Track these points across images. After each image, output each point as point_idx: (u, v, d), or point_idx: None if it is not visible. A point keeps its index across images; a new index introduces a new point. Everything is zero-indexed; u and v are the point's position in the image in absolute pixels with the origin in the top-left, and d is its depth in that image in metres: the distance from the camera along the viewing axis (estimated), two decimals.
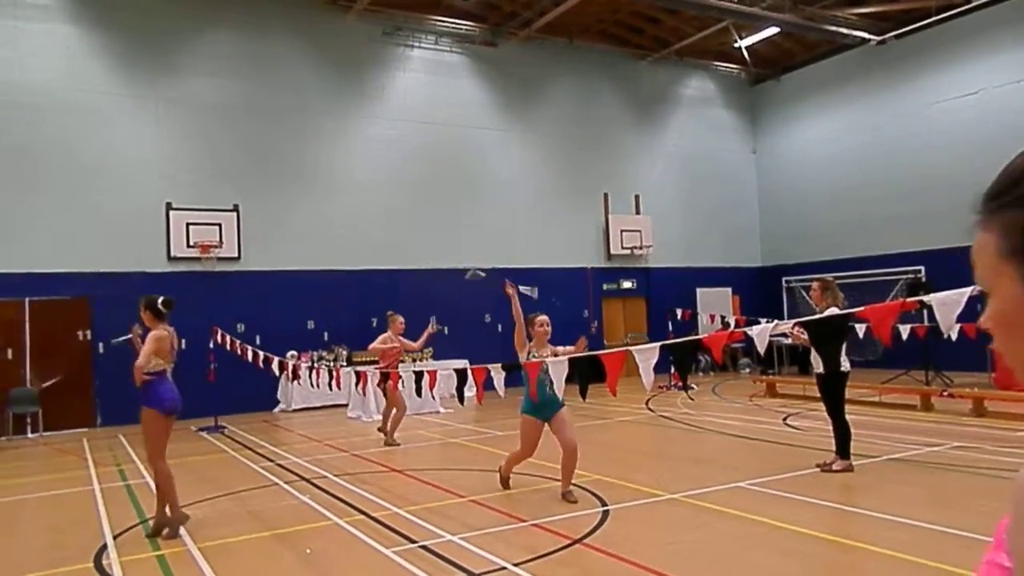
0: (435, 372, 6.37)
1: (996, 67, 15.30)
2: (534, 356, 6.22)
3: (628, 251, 18.10)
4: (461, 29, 16.71)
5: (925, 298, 3.16)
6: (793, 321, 3.76)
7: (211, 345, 11.61)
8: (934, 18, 15.72)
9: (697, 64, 19.75)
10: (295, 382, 9.70)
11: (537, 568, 4.77)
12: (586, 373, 4.63)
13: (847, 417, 7.22)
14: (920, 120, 16.62)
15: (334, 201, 15.15)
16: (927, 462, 7.53)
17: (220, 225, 13.95)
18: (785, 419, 10.67)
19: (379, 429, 10.12)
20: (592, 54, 18.35)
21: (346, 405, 13.09)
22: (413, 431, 10.89)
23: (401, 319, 10.01)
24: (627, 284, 18.48)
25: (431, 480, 7.56)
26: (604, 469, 7.61)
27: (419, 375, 6.79)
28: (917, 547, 4.84)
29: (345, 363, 13.61)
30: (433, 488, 7.22)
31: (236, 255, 14.11)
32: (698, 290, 18.99)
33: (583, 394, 4.95)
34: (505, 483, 6.90)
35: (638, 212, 18.54)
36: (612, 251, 18.05)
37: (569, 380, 4.90)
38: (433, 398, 7.90)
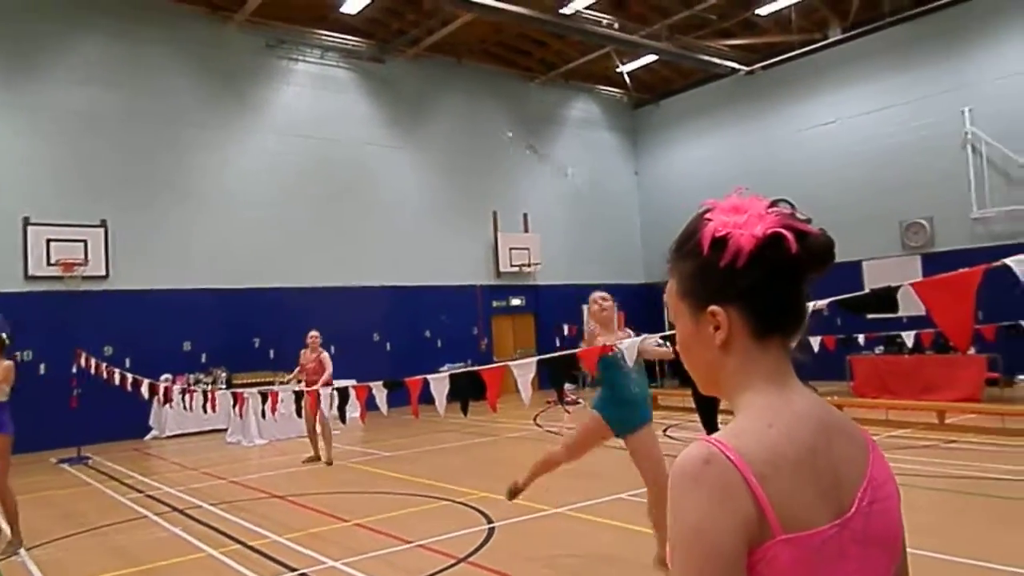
0: (315, 392, 6.20)
1: (850, 98, 16.62)
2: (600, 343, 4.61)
3: (517, 268, 18.33)
4: (348, 44, 16.51)
5: None
6: (660, 333, 3.92)
7: (74, 370, 10.83)
8: (796, 52, 16.93)
9: (582, 87, 20.37)
10: (167, 406, 9.19)
11: None
12: (466, 389, 4.63)
13: (720, 427, 7.56)
14: (785, 146, 17.79)
15: (214, 217, 14.54)
16: None
17: (86, 241, 13.07)
18: (665, 431, 11.05)
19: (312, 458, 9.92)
20: (480, 74, 18.57)
21: (225, 430, 12.52)
22: (296, 454, 10.54)
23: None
24: (516, 301, 18.70)
25: (314, 505, 7.34)
26: (490, 486, 7.62)
27: (299, 395, 6.58)
28: None
29: (224, 385, 13.03)
30: (316, 513, 7.00)
31: (104, 273, 13.26)
32: (584, 307, 19.41)
33: (464, 410, 4.94)
34: (515, 494, 5.26)
35: (526, 230, 18.84)
36: (501, 268, 18.23)
37: (450, 397, 4.88)
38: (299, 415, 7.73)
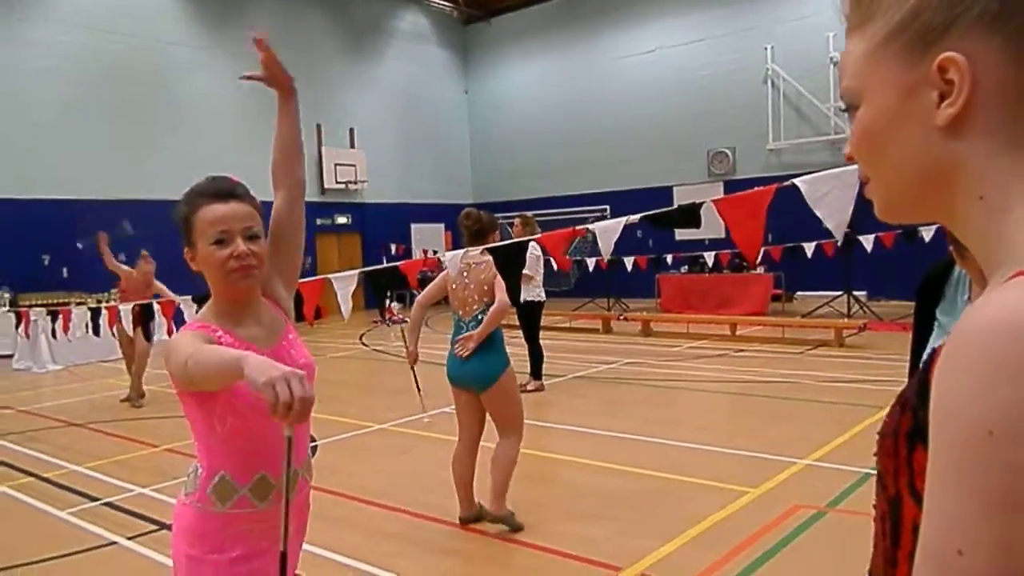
0: (115, 308, 5.67)
1: (669, 30, 17.32)
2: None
3: (343, 185, 17.73)
4: None
5: (589, 226, 3.53)
6: (480, 247, 3.98)
7: None
8: None
9: None
10: None
11: None
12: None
13: (541, 342, 7.92)
14: (608, 72, 18.31)
15: None
16: (604, 377, 8.58)
17: None
18: None
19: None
20: None
21: (11, 355, 11.30)
22: (99, 380, 9.78)
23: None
24: (342, 219, 18.17)
25: (118, 431, 6.89)
26: (314, 405, 7.53)
27: (95, 312, 5.99)
28: (595, 452, 5.54)
29: (7, 307, 11.69)
30: (121, 439, 6.58)
31: None
32: (412, 226, 19.32)
33: None
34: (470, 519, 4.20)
35: (353, 146, 18.18)
36: (326, 185, 17.55)
37: None
38: (113, 335, 6.83)
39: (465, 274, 4.10)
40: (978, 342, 0.53)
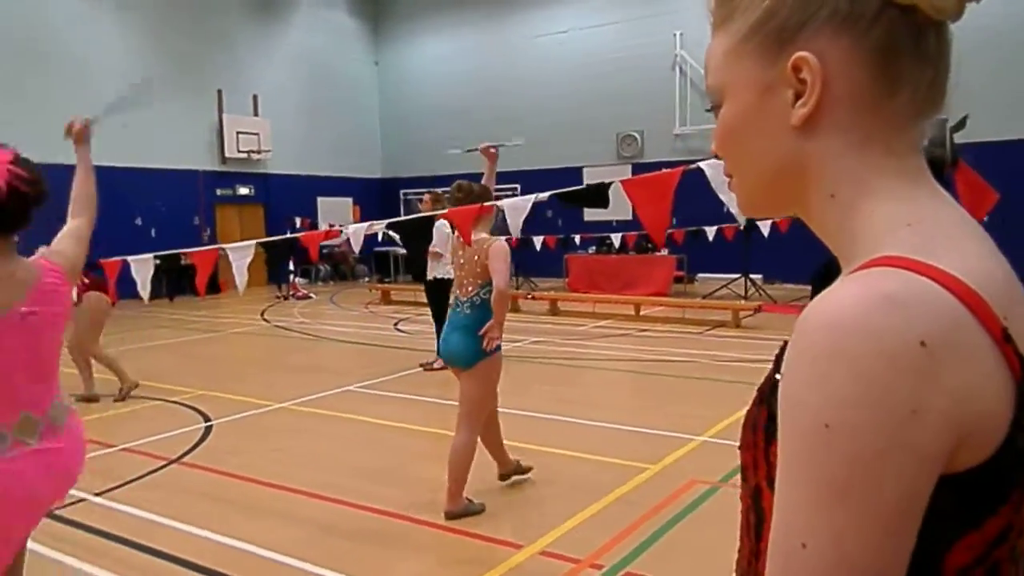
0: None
1: (583, 11, 17.40)
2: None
3: (245, 155, 17.02)
4: None
5: (498, 203, 3.50)
6: (386, 221, 3.91)
7: None
8: None
9: None
10: None
11: (124, 495, 4.37)
12: (176, 275, 4.21)
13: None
14: (522, 51, 18.25)
15: None
16: (510, 356, 8.54)
17: None
18: (396, 324, 11.28)
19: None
20: None
21: None
22: None
23: None
24: (244, 190, 17.46)
25: None
26: (210, 384, 7.23)
27: None
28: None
29: None
30: None
31: None
32: (319, 199, 18.79)
33: (171, 297, 4.49)
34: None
35: (256, 113, 17.46)
36: (227, 154, 16.80)
37: (167, 289, 4.36)
38: None
39: (460, 253, 4.00)
40: (816, 336, 0.54)
